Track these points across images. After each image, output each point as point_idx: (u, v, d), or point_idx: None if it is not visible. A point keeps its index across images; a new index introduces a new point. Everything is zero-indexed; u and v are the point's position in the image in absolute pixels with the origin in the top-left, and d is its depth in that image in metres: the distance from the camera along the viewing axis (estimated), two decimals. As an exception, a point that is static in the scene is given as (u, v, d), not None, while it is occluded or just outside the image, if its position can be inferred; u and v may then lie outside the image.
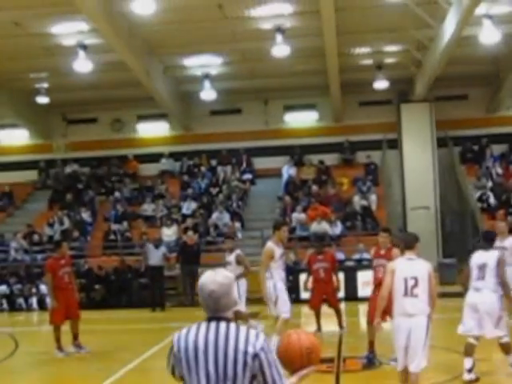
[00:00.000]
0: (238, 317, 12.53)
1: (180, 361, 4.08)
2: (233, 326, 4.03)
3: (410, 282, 7.86)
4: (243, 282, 13.39)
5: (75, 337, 13.23)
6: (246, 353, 3.94)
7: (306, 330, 4.72)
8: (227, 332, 3.99)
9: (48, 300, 20.91)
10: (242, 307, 12.90)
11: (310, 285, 14.97)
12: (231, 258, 13.42)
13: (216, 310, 4.05)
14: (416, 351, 7.79)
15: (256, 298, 12.23)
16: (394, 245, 11.23)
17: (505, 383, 10.11)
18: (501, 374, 10.20)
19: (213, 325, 4.03)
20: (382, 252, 11.27)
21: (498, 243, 14.40)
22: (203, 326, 4.06)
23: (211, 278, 4.06)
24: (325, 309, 14.67)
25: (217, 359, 3.96)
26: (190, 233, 22.11)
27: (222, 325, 4.02)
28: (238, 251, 13.74)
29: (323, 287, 14.49)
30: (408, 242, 8.28)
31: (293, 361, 4.16)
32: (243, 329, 4.03)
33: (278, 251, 11.10)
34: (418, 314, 7.84)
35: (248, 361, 3.94)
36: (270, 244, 11.26)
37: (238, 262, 13.33)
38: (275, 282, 11.13)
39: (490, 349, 10.20)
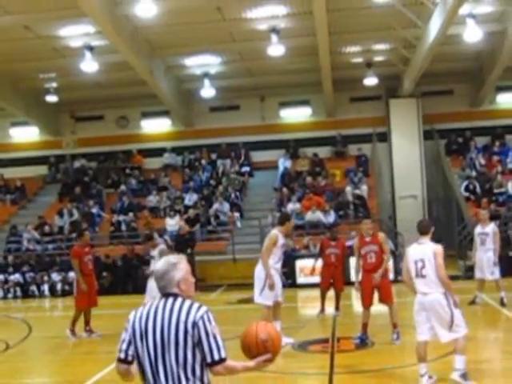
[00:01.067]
0: None
1: (133, 332, 4.31)
2: (179, 299, 4.29)
3: (419, 264, 8.03)
4: None
5: (87, 323, 13.22)
6: (186, 322, 4.16)
7: (269, 323, 4.88)
8: (173, 305, 4.25)
9: (61, 286, 21.12)
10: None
11: (318, 269, 14.99)
12: (155, 252, 13.20)
13: (163, 287, 4.34)
14: (441, 324, 7.91)
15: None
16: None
17: None
18: None
19: (163, 300, 4.31)
20: (368, 239, 11.21)
21: (479, 229, 14.49)
22: (157, 301, 4.35)
23: (158, 263, 4.46)
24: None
25: (162, 328, 4.18)
26: (182, 223, 22.20)
27: (170, 299, 4.28)
28: (161, 246, 13.61)
29: (332, 271, 14.47)
30: (421, 228, 8.41)
31: (250, 348, 4.37)
32: (188, 302, 4.29)
33: (281, 240, 11.04)
34: (431, 292, 7.96)
35: (188, 329, 4.15)
36: (275, 231, 11.12)
37: (161, 255, 12.98)
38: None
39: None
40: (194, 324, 4.15)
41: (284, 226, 11.20)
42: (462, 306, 13.89)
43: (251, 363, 4.32)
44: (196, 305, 4.26)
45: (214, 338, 4.19)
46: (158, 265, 4.45)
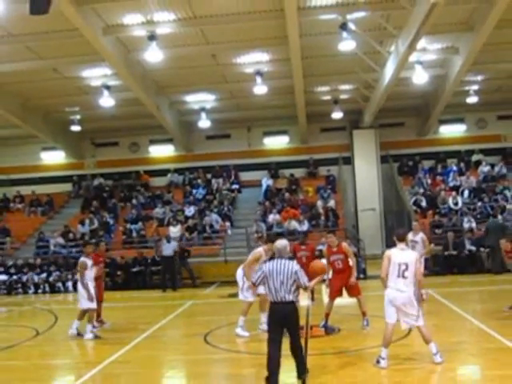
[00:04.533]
0: None
1: (265, 275, 7.39)
2: (286, 260, 7.48)
3: (402, 267, 7.98)
4: None
5: (98, 315, 12.90)
6: (291, 270, 7.34)
7: (319, 261, 8.36)
8: (284, 262, 7.42)
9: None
10: None
11: None
12: None
13: (281, 254, 7.55)
14: (411, 315, 7.95)
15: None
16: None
17: None
18: None
19: (279, 260, 7.48)
20: (334, 249, 11.13)
21: (411, 237, 14.22)
22: (276, 260, 7.51)
23: (281, 243, 7.60)
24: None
25: (281, 271, 7.31)
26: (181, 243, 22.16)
27: (283, 260, 7.47)
28: None
29: (305, 270, 14.34)
30: (400, 235, 8.38)
31: (312, 274, 7.88)
32: (290, 262, 7.49)
33: (264, 257, 10.87)
34: (407, 291, 7.94)
35: (292, 274, 7.31)
36: (260, 249, 10.89)
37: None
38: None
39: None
40: (295, 272, 7.33)
41: (268, 245, 10.86)
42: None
43: (312, 283, 7.71)
44: (295, 263, 7.54)
45: (303, 277, 7.37)
46: (279, 243, 7.60)
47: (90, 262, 11.72)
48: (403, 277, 7.97)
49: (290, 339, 7.27)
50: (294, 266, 7.36)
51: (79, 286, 11.72)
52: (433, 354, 7.95)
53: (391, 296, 8.02)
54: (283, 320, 7.20)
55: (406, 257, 8.08)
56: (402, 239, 8.34)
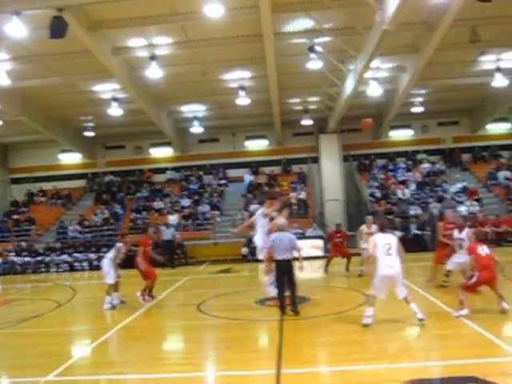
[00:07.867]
0: None
1: (273, 242, 9.25)
2: (286, 233, 9.34)
3: (386, 247, 8.10)
4: None
5: (150, 290, 12.08)
6: (290, 238, 9.24)
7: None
8: (284, 234, 9.24)
9: (96, 263, 20.66)
10: None
11: None
12: None
13: (281, 229, 9.28)
14: (399, 286, 8.10)
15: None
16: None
17: None
18: None
19: (281, 232, 9.27)
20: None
21: (366, 230, 14.09)
22: (279, 233, 9.32)
23: (282, 221, 9.45)
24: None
25: (283, 239, 9.18)
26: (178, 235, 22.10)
27: (283, 232, 9.28)
28: None
29: (340, 251, 13.96)
30: (381, 224, 8.56)
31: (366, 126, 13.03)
32: (288, 233, 9.36)
33: (265, 220, 10.33)
34: (395, 266, 8.05)
35: (289, 241, 9.21)
36: (259, 211, 10.48)
37: None
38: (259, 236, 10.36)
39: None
40: (291, 240, 9.26)
41: (266, 205, 10.47)
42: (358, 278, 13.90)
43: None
44: (291, 234, 9.46)
45: (297, 244, 9.32)
46: (281, 221, 9.44)
47: (124, 250, 11.65)
48: (388, 254, 8.08)
49: (287, 280, 9.31)
50: (291, 236, 9.39)
51: (106, 264, 11.52)
52: (415, 312, 8.07)
53: (383, 272, 8.04)
54: (284, 270, 9.28)
55: (388, 239, 8.24)
56: (384, 229, 8.49)
